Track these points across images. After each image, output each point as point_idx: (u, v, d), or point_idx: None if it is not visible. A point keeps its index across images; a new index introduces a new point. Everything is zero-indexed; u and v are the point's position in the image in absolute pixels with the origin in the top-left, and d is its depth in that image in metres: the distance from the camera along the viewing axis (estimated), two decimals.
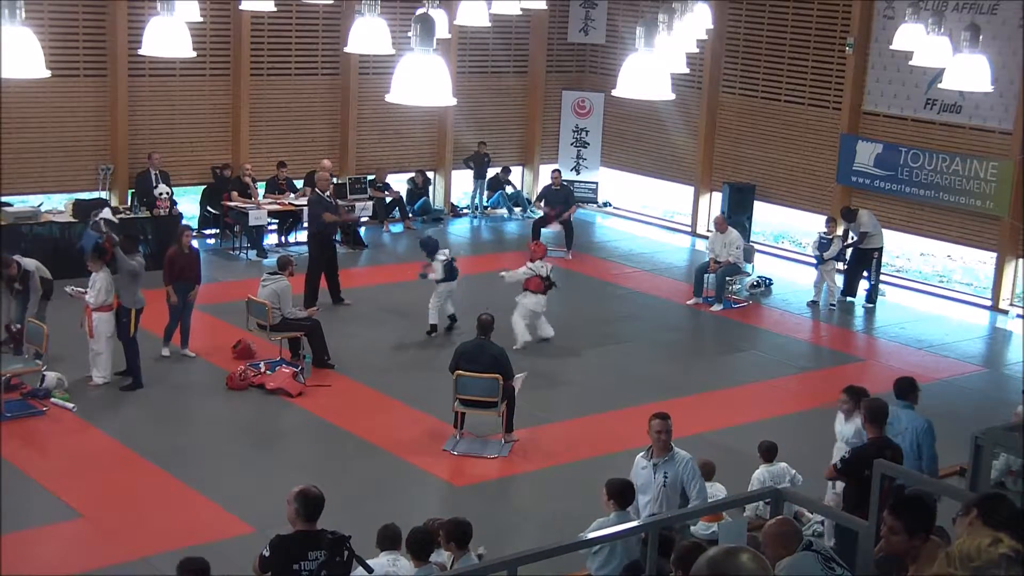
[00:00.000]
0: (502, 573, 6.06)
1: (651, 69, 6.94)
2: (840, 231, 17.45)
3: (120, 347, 12.88)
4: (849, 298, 17.52)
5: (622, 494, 7.94)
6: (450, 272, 14.84)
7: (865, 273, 17.53)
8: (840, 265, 17.69)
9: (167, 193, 17.55)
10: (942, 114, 18.09)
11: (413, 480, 11.12)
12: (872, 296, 17.49)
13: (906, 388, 9.60)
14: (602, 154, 23.06)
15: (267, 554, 6.61)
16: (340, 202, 17.52)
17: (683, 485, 8.37)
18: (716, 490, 9.54)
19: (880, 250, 17.50)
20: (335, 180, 19.83)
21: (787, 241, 21.47)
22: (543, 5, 13.44)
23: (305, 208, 18.92)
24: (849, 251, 17.60)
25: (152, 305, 13.28)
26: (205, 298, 14.04)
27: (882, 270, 17.77)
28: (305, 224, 19.32)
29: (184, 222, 16.75)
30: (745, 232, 19.52)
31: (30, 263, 13.37)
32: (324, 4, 17.58)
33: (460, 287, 15.23)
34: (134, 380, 12.89)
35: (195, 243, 14.48)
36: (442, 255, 14.88)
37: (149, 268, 13.61)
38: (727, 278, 17.24)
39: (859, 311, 17.38)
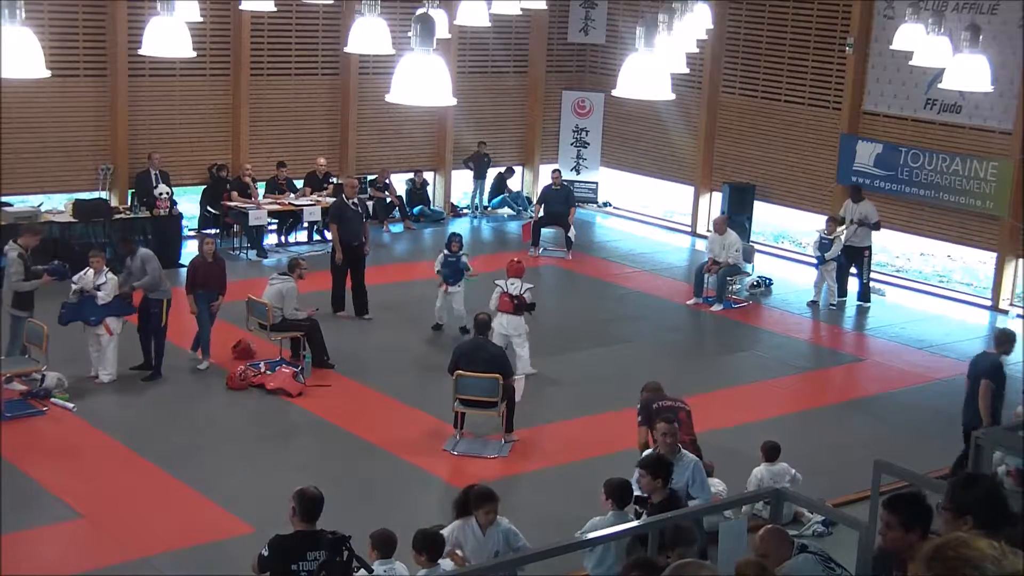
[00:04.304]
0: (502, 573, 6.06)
1: (651, 69, 6.94)
2: (839, 229, 17.42)
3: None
4: (840, 297, 17.47)
5: (620, 494, 7.96)
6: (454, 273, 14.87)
7: (855, 270, 17.52)
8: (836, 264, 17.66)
9: (167, 193, 17.56)
10: (942, 114, 18.09)
11: (413, 480, 11.11)
12: (865, 295, 17.47)
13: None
14: (602, 154, 23.07)
15: (266, 554, 6.63)
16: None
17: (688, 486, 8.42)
18: (714, 485, 9.55)
19: (870, 248, 17.49)
20: (334, 180, 19.86)
21: (787, 241, 21.48)
22: (543, 5, 13.44)
23: (305, 207, 19.00)
24: (841, 248, 17.49)
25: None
26: None
27: (873, 267, 17.75)
28: (304, 225, 19.42)
29: (205, 230, 16.68)
30: (745, 232, 19.52)
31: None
32: (324, 4, 17.57)
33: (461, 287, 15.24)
34: (155, 370, 13.05)
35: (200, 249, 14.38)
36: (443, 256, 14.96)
37: None
38: (727, 278, 17.24)
39: (856, 310, 17.35)
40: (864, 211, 17.38)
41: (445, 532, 7.64)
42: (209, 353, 13.67)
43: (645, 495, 7.95)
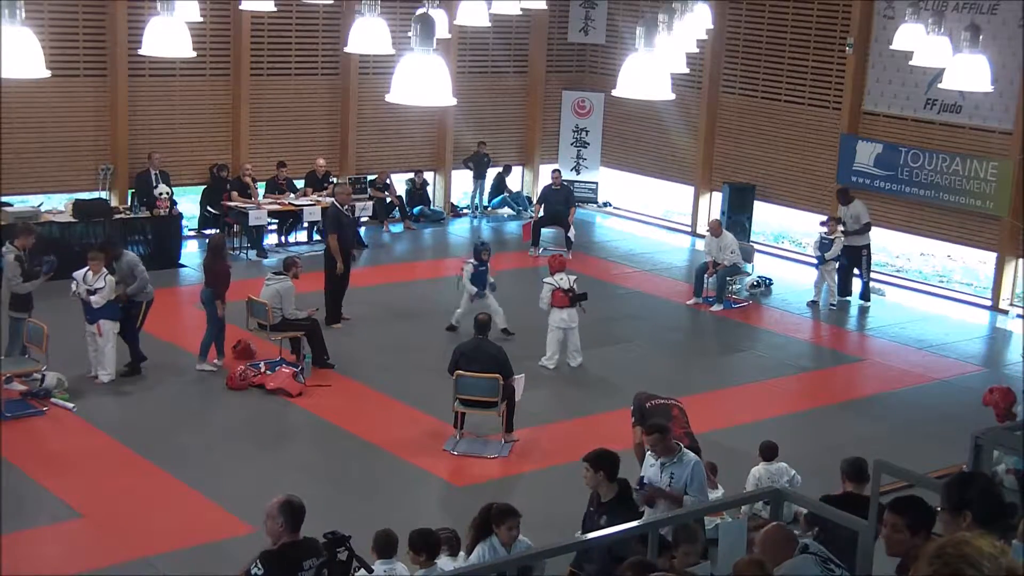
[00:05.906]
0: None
1: (651, 69, 6.94)
2: (840, 229, 17.42)
3: (121, 346, 12.93)
4: (841, 296, 17.47)
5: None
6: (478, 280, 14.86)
7: (856, 271, 17.53)
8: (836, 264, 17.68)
9: (167, 193, 17.56)
10: (942, 114, 18.08)
11: (413, 480, 11.11)
12: (866, 294, 17.48)
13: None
14: (602, 154, 23.06)
15: (260, 573, 6.29)
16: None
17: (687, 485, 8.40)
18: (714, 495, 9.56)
19: (868, 247, 17.50)
20: (334, 180, 19.85)
21: (787, 241, 21.48)
22: (543, 5, 13.43)
23: (305, 207, 19.00)
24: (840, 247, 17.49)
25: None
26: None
27: (873, 267, 17.78)
28: (304, 225, 19.41)
29: (205, 230, 16.57)
30: (745, 232, 19.53)
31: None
32: (324, 4, 17.57)
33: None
34: (134, 365, 13.05)
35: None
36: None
37: (148, 267, 13.62)
38: (727, 278, 17.24)
39: (856, 310, 17.36)
40: (855, 212, 17.39)
41: (472, 558, 7.49)
42: (208, 354, 13.75)
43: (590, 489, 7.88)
